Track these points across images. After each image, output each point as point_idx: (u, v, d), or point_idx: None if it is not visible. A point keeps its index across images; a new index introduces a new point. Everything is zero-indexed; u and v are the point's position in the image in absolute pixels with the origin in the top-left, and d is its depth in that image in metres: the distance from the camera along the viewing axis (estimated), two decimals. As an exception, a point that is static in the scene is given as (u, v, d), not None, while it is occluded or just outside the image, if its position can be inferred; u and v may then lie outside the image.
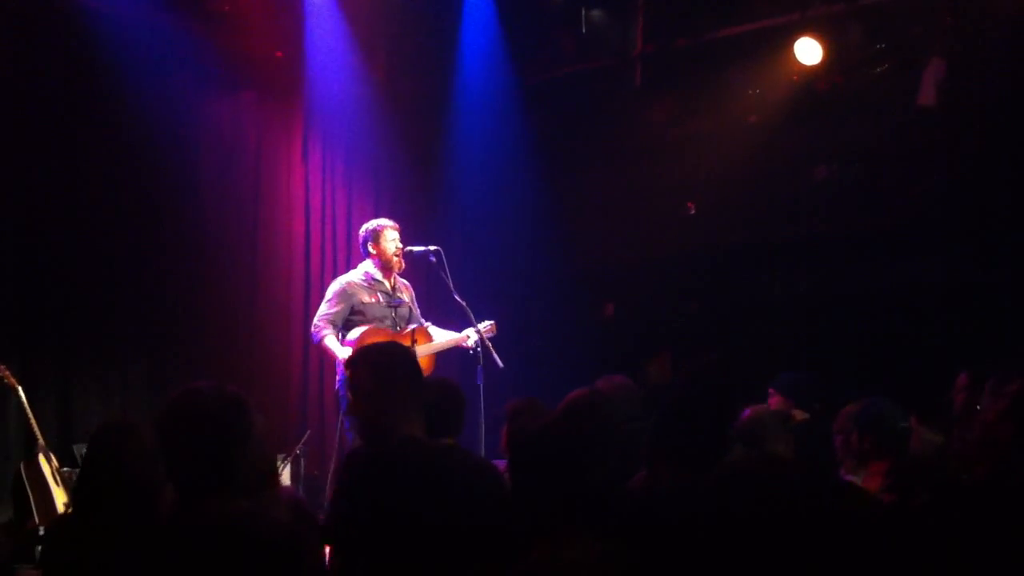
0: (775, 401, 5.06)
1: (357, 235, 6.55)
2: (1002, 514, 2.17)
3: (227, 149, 7.65)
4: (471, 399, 4.60)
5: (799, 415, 4.65)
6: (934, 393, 4.78)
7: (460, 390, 3.77)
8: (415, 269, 6.82)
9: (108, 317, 6.86)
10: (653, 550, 1.46)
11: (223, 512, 2.31)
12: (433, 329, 6.32)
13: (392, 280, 6.31)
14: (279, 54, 7.77)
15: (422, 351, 6.12)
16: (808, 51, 7.19)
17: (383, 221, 6.37)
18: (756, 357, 7.04)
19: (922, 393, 4.56)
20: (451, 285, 6.23)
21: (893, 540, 1.39)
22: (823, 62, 7.20)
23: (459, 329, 6.32)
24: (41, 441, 5.87)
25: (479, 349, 6.16)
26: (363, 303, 6.15)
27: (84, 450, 6.15)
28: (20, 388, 5.85)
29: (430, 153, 8.56)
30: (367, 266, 6.31)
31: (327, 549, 2.97)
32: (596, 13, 8.27)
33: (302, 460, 6.69)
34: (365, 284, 6.23)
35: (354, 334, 6.01)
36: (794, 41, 7.21)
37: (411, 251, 6.32)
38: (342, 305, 6.12)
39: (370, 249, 6.29)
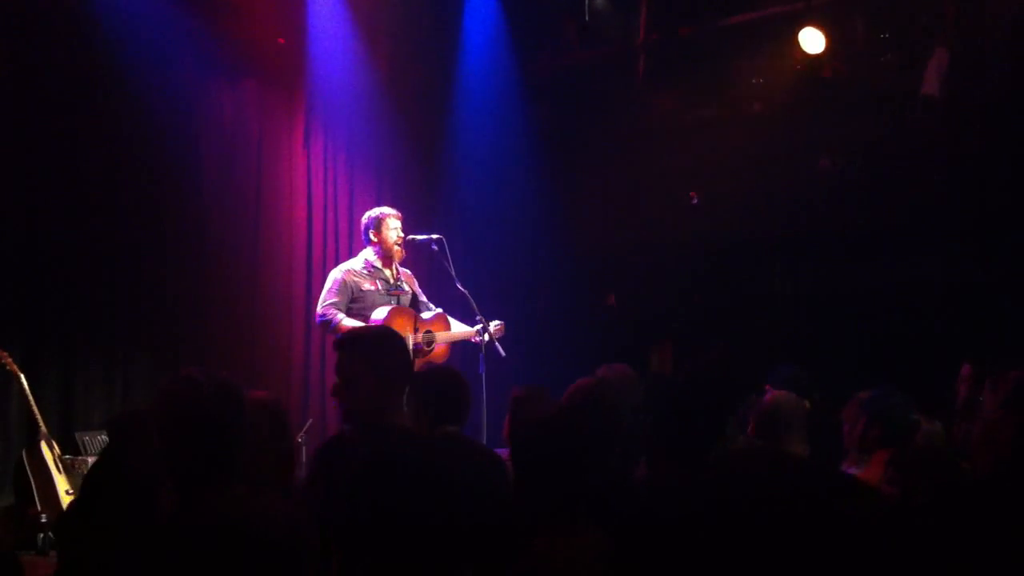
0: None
1: (359, 224, 6.54)
2: (1003, 514, 2.17)
3: (229, 137, 7.62)
4: (473, 388, 4.60)
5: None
6: (934, 387, 4.79)
7: (464, 378, 3.76)
8: (417, 258, 6.81)
9: (110, 304, 6.85)
10: (651, 546, 1.46)
11: (223, 510, 2.31)
12: (450, 319, 6.34)
13: (393, 268, 6.31)
14: (281, 40, 7.75)
15: (442, 338, 6.13)
16: (812, 40, 7.18)
17: (386, 209, 6.35)
18: (756, 349, 7.04)
19: (922, 387, 4.55)
20: (453, 274, 6.22)
21: (894, 540, 1.38)
22: (827, 51, 7.19)
23: (460, 318, 6.33)
24: (43, 428, 5.86)
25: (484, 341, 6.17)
26: (362, 290, 6.14)
27: (85, 436, 6.24)
28: (22, 375, 5.84)
29: (433, 142, 8.54)
30: (367, 254, 6.30)
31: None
32: (600, 2, 8.25)
33: (304, 449, 6.71)
34: (365, 272, 6.22)
35: (380, 313, 5.99)
36: (798, 30, 7.20)
37: (413, 239, 6.31)
38: (342, 295, 6.12)
39: (372, 237, 6.28)
